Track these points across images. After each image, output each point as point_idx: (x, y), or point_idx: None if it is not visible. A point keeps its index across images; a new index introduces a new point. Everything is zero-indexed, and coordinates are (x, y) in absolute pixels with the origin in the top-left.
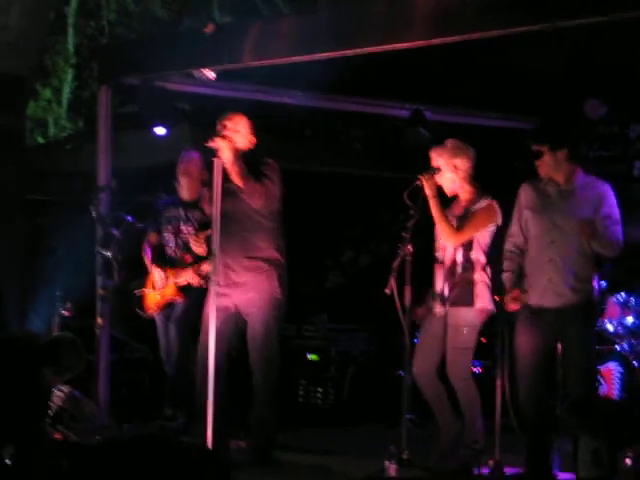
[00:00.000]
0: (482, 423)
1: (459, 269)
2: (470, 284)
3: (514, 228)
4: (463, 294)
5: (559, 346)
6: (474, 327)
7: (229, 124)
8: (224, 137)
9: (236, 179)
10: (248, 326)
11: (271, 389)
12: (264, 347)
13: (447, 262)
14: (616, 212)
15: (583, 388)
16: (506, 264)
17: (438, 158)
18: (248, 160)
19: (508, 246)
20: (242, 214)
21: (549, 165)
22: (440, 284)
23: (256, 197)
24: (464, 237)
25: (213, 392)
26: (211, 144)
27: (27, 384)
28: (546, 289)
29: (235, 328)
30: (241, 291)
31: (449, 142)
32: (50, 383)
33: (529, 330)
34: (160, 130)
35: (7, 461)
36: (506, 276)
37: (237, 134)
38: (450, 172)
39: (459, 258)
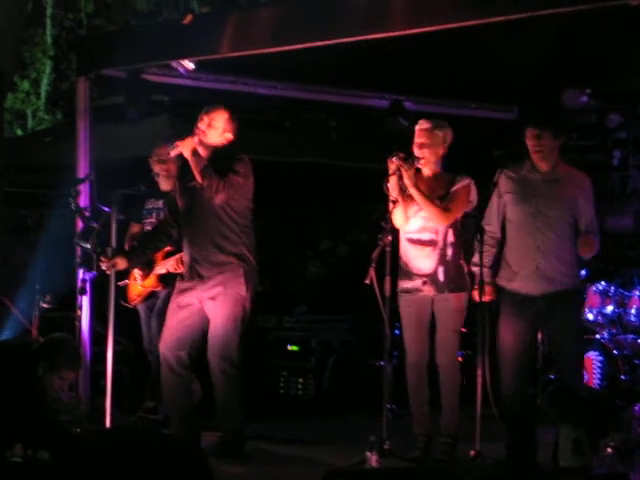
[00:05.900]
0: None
1: (449, 252)
2: (460, 268)
3: (493, 217)
4: (459, 279)
5: (539, 335)
6: (464, 311)
7: (206, 118)
8: (193, 134)
9: (195, 173)
10: (209, 322)
11: (230, 387)
12: (222, 345)
13: (440, 244)
14: (593, 211)
15: (573, 374)
16: (485, 256)
17: (439, 128)
18: (220, 155)
19: (485, 235)
20: (207, 210)
21: (548, 150)
22: (432, 266)
23: (213, 191)
24: (454, 216)
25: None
26: (176, 145)
27: (22, 381)
28: (534, 276)
29: (201, 323)
30: (206, 287)
31: (430, 120)
32: (49, 381)
33: (513, 319)
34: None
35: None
36: (485, 271)
37: (211, 129)
38: (439, 146)
39: (450, 239)
